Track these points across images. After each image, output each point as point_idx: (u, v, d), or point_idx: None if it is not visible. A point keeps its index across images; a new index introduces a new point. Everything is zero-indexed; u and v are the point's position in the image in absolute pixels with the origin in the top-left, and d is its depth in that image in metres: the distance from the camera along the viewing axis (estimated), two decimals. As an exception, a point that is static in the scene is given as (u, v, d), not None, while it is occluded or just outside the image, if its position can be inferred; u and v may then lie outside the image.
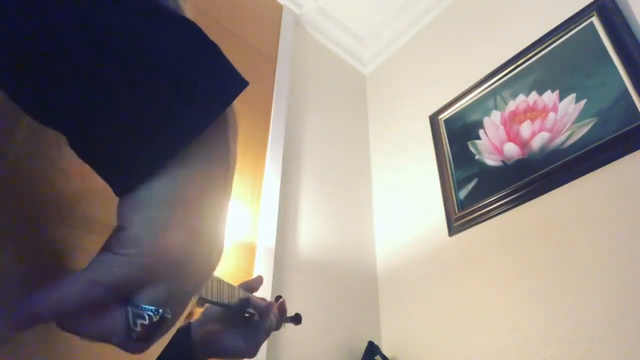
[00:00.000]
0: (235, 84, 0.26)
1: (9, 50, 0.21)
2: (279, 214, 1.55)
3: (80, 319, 0.23)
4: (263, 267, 1.39)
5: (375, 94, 2.39)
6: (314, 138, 1.97)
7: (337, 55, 2.42)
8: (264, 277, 1.41)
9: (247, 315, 0.60)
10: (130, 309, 0.23)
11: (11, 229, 0.25)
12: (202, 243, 0.26)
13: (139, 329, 0.23)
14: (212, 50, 0.26)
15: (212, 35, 0.28)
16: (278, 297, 0.75)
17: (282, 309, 0.67)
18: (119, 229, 0.24)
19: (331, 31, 2.38)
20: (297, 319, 0.78)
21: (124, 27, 0.23)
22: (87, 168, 0.24)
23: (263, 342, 0.60)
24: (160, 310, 0.23)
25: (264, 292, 1.34)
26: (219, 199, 0.27)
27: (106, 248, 0.24)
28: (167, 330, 0.25)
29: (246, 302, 0.59)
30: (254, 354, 0.59)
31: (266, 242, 1.45)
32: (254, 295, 0.64)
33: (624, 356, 1.07)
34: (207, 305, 0.59)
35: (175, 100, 0.24)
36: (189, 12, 0.28)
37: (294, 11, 2.20)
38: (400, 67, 2.32)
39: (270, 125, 1.72)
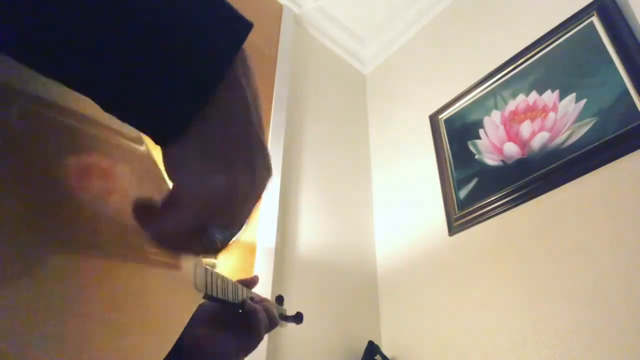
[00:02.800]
0: (240, 27, 0.27)
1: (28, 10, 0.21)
2: (279, 214, 1.55)
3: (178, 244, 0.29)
4: (263, 267, 1.39)
5: (375, 94, 2.39)
6: (314, 138, 1.97)
7: (337, 55, 2.42)
8: (264, 277, 1.41)
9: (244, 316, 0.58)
10: (204, 238, 0.28)
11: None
12: (243, 181, 0.28)
13: (214, 247, 0.29)
14: None
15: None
16: (279, 297, 0.75)
17: (270, 313, 0.61)
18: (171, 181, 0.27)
19: (331, 31, 2.38)
20: (298, 318, 0.78)
21: None
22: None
23: (254, 349, 0.57)
24: (227, 234, 0.29)
25: (264, 292, 1.34)
26: (249, 135, 0.29)
27: (166, 199, 0.27)
28: (230, 243, 0.31)
29: (241, 300, 0.57)
30: (257, 346, 0.58)
31: (266, 242, 1.45)
32: (256, 295, 0.63)
33: (623, 356, 1.07)
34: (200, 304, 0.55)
35: (185, 53, 0.24)
36: None
37: (294, 11, 2.20)
38: (400, 67, 2.32)
39: (270, 125, 1.72)
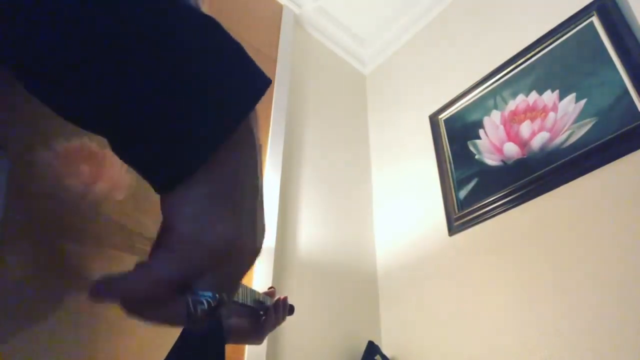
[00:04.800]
0: (261, 81, 0.28)
1: (45, 57, 0.22)
2: (279, 214, 1.55)
3: (145, 308, 0.25)
4: (263, 267, 1.39)
5: (375, 94, 2.39)
6: (314, 138, 1.97)
7: (337, 55, 2.42)
8: (263, 277, 1.42)
9: (261, 313, 0.80)
10: (190, 297, 0.25)
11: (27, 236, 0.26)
12: (246, 230, 0.27)
13: (199, 314, 0.25)
14: (238, 50, 0.27)
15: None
16: (271, 289, 0.88)
17: (285, 306, 0.84)
18: (167, 227, 0.26)
19: (331, 31, 2.38)
20: (290, 310, 0.87)
21: (152, 30, 0.24)
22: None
23: (269, 331, 0.80)
24: (217, 296, 0.25)
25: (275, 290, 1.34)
26: (254, 186, 0.28)
27: (161, 245, 0.26)
28: (223, 311, 0.27)
29: (262, 304, 0.78)
30: (262, 342, 0.81)
31: (266, 241, 1.45)
32: (262, 294, 0.81)
33: (623, 355, 1.07)
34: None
35: (208, 100, 0.25)
36: (206, 9, 0.29)
37: (294, 11, 2.20)
38: (400, 67, 2.32)
39: (270, 125, 1.72)
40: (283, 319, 0.83)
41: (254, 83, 0.27)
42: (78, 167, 0.31)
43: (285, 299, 0.85)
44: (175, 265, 0.25)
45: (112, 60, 0.23)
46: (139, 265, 0.25)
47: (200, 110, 0.25)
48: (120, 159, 0.25)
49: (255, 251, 0.28)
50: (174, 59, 0.24)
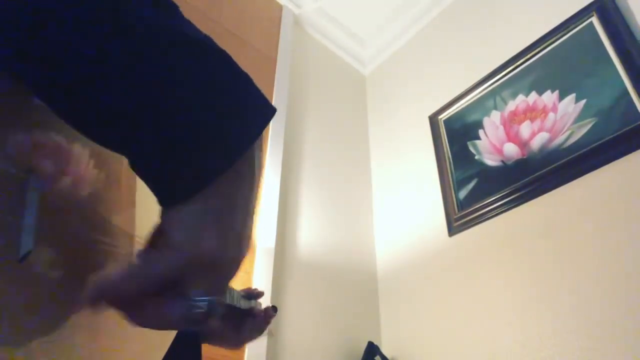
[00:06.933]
0: (266, 111, 0.30)
1: (68, 79, 0.25)
2: (278, 214, 1.55)
3: (142, 312, 0.27)
4: (263, 267, 1.39)
5: (375, 94, 2.39)
6: (314, 138, 1.97)
7: (337, 55, 2.42)
8: (263, 278, 1.42)
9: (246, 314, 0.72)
10: (186, 301, 0.27)
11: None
12: (232, 245, 0.29)
13: (198, 316, 0.27)
14: (246, 80, 0.30)
15: (212, 35, 0.29)
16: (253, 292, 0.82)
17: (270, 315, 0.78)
18: (162, 233, 0.28)
19: (331, 31, 2.38)
20: (274, 310, 0.84)
21: (166, 66, 0.26)
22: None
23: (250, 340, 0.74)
24: (214, 299, 0.28)
25: (264, 294, 1.34)
26: (247, 204, 0.31)
27: (152, 245, 0.29)
28: (217, 314, 0.29)
29: (250, 308, 0.70)
30: (240, 347, 0.73)
31: (266, 242, 1.45)
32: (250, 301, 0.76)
33: (625, 355, 1.07)
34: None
35: (217, 130, 0.28)
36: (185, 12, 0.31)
37: (294, 11, 2.20)
38: (400, 67, 2.32)
39: (270, 125, 1.72)
40: (265, 328, 0.80)
41: (260, 114, 0.30)
42: (42, 162, 0.32)
43: (270, 310, 0.81)
44: (161, 265, 0.27)
45: (127, 87, 0.25)
46: (129, 264, 0.28)
47: (209, 140, 0.27)
48: (136, 174, 0.28)
49: (239, 261, 0.30)
50: (186, 93, 0.27)
